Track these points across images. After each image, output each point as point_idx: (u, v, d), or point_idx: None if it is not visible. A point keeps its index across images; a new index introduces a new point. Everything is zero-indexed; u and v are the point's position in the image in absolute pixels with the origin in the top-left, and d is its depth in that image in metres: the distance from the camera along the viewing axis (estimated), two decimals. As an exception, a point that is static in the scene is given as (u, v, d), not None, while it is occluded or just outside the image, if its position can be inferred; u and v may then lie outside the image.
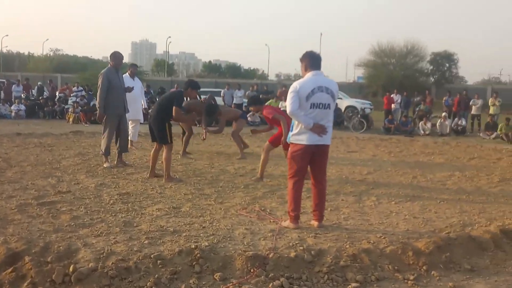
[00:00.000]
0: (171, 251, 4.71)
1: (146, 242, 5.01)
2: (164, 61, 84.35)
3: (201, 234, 5.31)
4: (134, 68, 12.85)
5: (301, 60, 5.73)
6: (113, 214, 6.10)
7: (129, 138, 12.32)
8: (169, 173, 8.28)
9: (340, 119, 24.01)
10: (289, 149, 5.75)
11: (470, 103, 22.63)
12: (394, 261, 4.74)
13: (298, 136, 5.61)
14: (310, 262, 4.62)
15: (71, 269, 4.36)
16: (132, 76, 12.29)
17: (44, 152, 11.14)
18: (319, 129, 5.51)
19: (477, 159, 12.19)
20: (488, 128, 20.66)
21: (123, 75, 12.21)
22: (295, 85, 5.55)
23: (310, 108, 5.49)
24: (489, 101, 22.48)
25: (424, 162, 11.45)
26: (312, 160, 5.66)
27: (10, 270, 4.40)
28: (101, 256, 4.61)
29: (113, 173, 8.82)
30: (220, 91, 30.78)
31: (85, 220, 5.81)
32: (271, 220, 5.96)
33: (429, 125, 21.59)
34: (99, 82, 9.29)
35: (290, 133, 5.70)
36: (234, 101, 25.63)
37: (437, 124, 21.60)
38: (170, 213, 6.23)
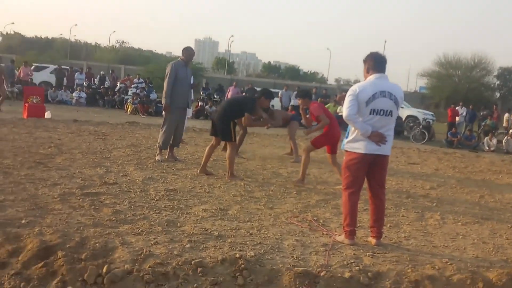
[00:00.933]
0: (214, 258, 4.32)
1: (188, 246, 4.63)
2: (225, 59, 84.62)
3: (247, 242, 4.88)
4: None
5: (364, 61, 5.25)
6: (157, 211, 5.76)
7: None
8: (233, 171, 8.10)
9: (400, 128, 23.20)
10: (344, 157, 5.26)
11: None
12: (462, 292, 4.18)
13: (353, 143, 5.11)
14: (366, 286, 4.14)
15: (104, 269, 4.04)
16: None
17: (96, 141, 10.99)
18: (377, 137, 5.00)
19: (506, 175, 11.33)
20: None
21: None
22: (354, 88, 5.06)
23: (370, 114, 4.99)
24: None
25: (491, 180, 10.69)
26: (370, 171, 5.15)
27: (40, 264, 4.12)
28: (139, 257, 4.26)
29: (163, 167, 8.52)
30: (278, 92, 30.44)
31: (127, 215, 5.49)
32: (324, 233, 5.48)
33: (494, 141, 20.58)
34: (167, 72, 9.13)
35: (345, 140, 5.21)
36: (291, 103, 25.14)
37: (504, 141, 20.53)
38: (217, 215, 5.84)
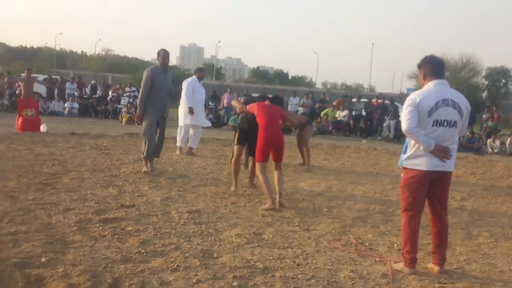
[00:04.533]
0: (269, 299, 3.74)
1: (235, 284, 4.07)
2: (213, 65, 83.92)
3: (299, 276, 4.33)
4: (202, 72, 12.17)
5: (420, 66, 4.73)
6: (187, 239, 5.20)
7: (182, 144, 11.58)
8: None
9: (401, 132, 22.74)
10: (402, 175, 4.72)
11: None
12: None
13: (414, 160, 4.58)
14: (448, 326, 3.59)
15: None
16: (200, 79, 11.63)
17: (100, 156, 10.37)
18: (442, 152, 4.48)
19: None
20: None
21: (191, 79, 11.55)
22: (413, 97, 4.52)
23: (433, 125, 4.47)
24: None
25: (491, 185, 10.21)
26: (431, 190, 4.62)
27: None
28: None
29: (178, 184, 7.95)
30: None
31: (157, 246, 4.92)
32: (377, 259, 4.93)
33: (498, 143, 20.22)
34: (143, 79, 8.55)
35: (403, 156, 4.67)
36: (288, 109, 24.61)
37: (507, 143, 20.15)
38: (252, 241, 5.28)
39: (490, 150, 19.81)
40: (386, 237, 5.80)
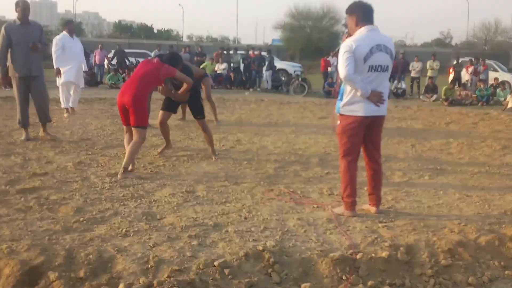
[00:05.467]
0: (234, 255, 3.75)
1: (194, 243, 4.00)
2: (71, 20, 79.35)
3: (252, 229, 4.35)
4: (71, 25, 11.37)
5: (350, 12, 4.72)
6: (121, 203, 5.01)
7: (69, 105, 11.01)
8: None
9: (278, 83, 23.31)
10: (339, 122, 4.81)
11: (410, 67, 22.47)
12: (495, 255, 4.03)
13: (351, 106, 4.67)
14: (406, 263, 3.81)
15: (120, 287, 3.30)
16: (70, 34, 10.91)
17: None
18: (377, 97, 4.61)
19: (454, 124, 11.80)
20: (428, 91, 20.56)
21: (61, 34, 10.86)
22: (349, 43, 4.54)
23: (368, 71, 4.55)
24: (428, 64, 22.41)
25: (405, 128, 10.88)
26: (366, 134, 4.77)
27: (34, 292, 3.27)
28: (148, 266, 3.57)
29: (84, 148, 7.58)
30: (146, 52, 29.25)
31: (94, 213, 4.69)
32: (315, 206, 5.06)
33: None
34: None
35: (339, 103, 4.76)
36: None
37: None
38: (189, 199, 5.21)
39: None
40: (312, 183, 5.95)
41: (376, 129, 4.79)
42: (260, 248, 3.81)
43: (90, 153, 7.22)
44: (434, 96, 19.73)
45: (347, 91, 4.66)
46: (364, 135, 4.75)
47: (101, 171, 6.24)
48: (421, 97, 20.48)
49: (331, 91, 21.02)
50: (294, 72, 25.98)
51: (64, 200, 5.04)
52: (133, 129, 6.17)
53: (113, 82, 20.16)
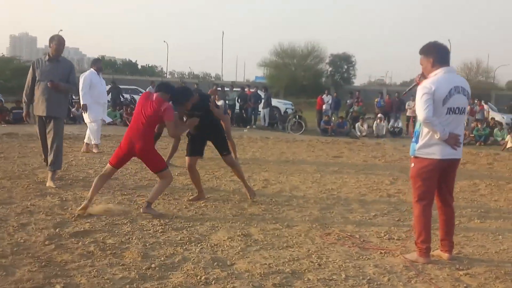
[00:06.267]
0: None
1: (284, 292, 3.83)
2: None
3: (334, 277, 4.23)
4: (99, 63, 11.40)
5: (426, 53, 4.66)
6: (183, 248, 4.87)
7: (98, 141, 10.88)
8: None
9: (274, 121, 23.37)
10: (412, 165, 4.74)
11: (406, 106, 22.69)
12: None
13: (427, 149, 4.60)
14: (505, 314, 3.69)
15: None
16: (98, 72, 10.93)
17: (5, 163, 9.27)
18: (454, 139, 4.55)
19: (470, 164, 11.83)
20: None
21: (89, 71, 10.81)
22: (428, 85, 4.49)
23: (447, 113, 4.52)
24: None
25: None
26: (441, 177, 4.70)
27: None
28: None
29: (116, 188, 7.36)
30: (137, 88, 29.22)
31: (161, 259, 4.54)
32: (382, 251, 4.94)
33: (365, 126, 21.41)
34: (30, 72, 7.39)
35: (415, 145, 4.68)
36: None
37: (374, 126, 21.43)
38: (250, 243, 5.09)
39: (359, 133, 20.85)
40: (365, 227, 5.85)
41: (452, 172, 4.73)
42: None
43: (125, 193, 7.02)
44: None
45: (424, 134, 4.59)
46: (439, 179, 4.67)
47: (144, 213, 6.03)
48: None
49: (327, 129, 21.13)
50: (286, 109, 26.07)
51: (123, 244, 4.86)
52: (157, 175, 6.10)
53: (111, 119, 19.95)
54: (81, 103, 10.74)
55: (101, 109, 11.09)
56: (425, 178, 4.61)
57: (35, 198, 6.52)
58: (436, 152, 4.55)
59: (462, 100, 4.56)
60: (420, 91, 4.48)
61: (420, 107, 4.46)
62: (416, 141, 4.66)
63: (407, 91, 5.95)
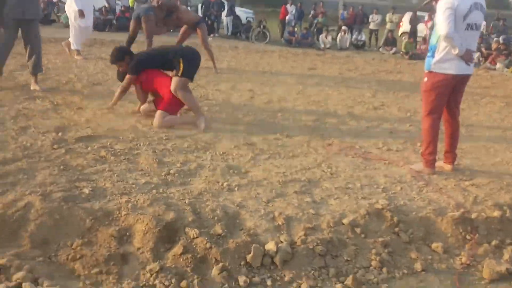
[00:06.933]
0: (355, 213, 3.74)
1: (307, 199, 3.97)
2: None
3: (350, 186, 4.34)
4: None
5: None
6: (194, 155, 4.88)
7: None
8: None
9: (238, 29, 22.95)
10: (426, 80, 4.79)
11: (369, 19, 22.65)
12: None
13: (443, 64, 4.63)
14: (517, 222, 3.93)
15: (270, 246, 3.25)
16: None
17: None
18: (469, 55, 4.61)
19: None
20: (388, 44, 20.84)
21: None
22: (451, 0, 4.47)
23: (465, 29, 4.55)
24: (387, 17, 22.65)
25: (404, 81, 11.03)
26: (451, 92, 4.80)
27: (179, 251, 3.17)
28: (279, 224, 3.54)
29: (103, 93, 7.19)
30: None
31: (177, 165, 4.55)
32: (386, 162, 5.10)
33: (329, 38, 21.35)
34: None
35: (431, 60, 4.72)
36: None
37: (337, 38, 21.41)
38: (257, 153, 5.14)
39: (322, 45, 20.78)
40: (361, 138, 5.96)
41: (462, 87, 4.84)
42: (379, 206, 3.82)
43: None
44: (394, 49, 20.03)
45: (441, 49, 4.61)
46: (449, 93, 4.77)
47: (143, 120, 5.96)
48: (380, 49, 20.74)
49: (291, 40, 20.95)
50: (246, 18, 25.55)
51: (133, 150, 4.84)
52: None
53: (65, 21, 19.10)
54: (76, 8, 10.02)
55: (91, 17, 10.63)
56: (438, 93, 4.70)
57: (25, 101, 6.34)
58: (452, 68, 4.61)
59: (480, 16, 4.59)
60: (443, 5, 4.46)
61: (442, 21, 4.45)
62: (432, 56, 4.69)
63: (425, 3, 5.90)
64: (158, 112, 5.77)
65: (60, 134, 5.12)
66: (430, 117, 4.77)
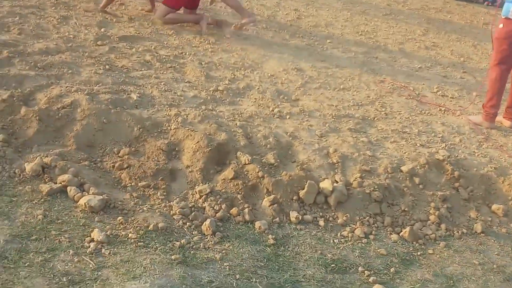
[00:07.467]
0: (414, 161, 3.50)
1: (363, 139, 3.72)
2: None
3: (407, 130, 4.08)
4: None
5: None
6: (241, 73, 4.60)
7: None
8: None
9: None
10: (501, 26, 4.41)
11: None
12: None
13: None
14: None
15: (325, 185, 3.04)
16: None
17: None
18: None
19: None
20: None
21: None
22: None
23: None
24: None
25: (448, 21, 10.49)
26: None
27: (230, 175, 2.96)
28: (334, 162, 3.31)
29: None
30: None
31: (225, 82, 4.29)
32: (442, 108, 4.78)
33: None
34: None
35: (510, 6, 4.32)
36: None
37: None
38: (307, 80, 4.83)
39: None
40: (414, 78, 5.62)
41: None
42: (440, 157, 3.57)
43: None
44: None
45: None
46: None
47: (188, 26, 5.63)
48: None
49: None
50: None
51: (179, 59, 4.56)
52: None
53: None
54: None
55: None
56: (510, 42, 4.34)
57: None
58: None
59: None
60: None
61: None
62: (510, 1, 4.30)
63: None
64: (162, 7, 5.51)
65: (102, 30, 4.83)
66: (498, 67, 4.43)
